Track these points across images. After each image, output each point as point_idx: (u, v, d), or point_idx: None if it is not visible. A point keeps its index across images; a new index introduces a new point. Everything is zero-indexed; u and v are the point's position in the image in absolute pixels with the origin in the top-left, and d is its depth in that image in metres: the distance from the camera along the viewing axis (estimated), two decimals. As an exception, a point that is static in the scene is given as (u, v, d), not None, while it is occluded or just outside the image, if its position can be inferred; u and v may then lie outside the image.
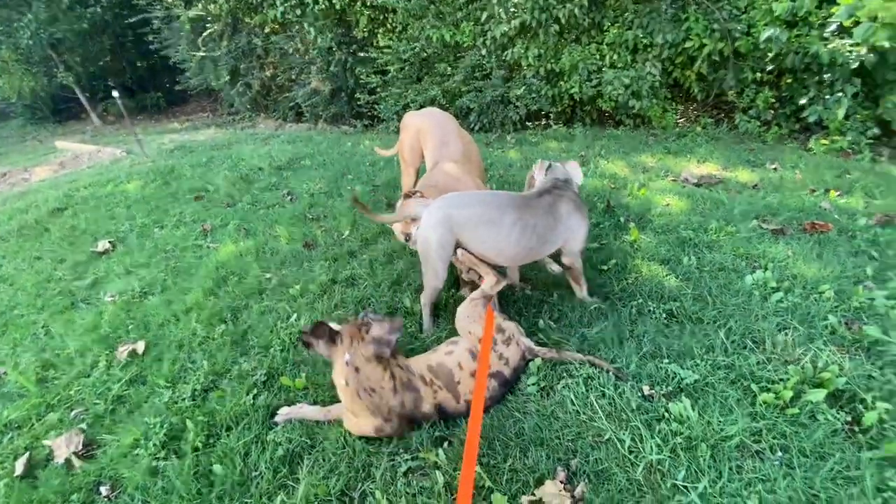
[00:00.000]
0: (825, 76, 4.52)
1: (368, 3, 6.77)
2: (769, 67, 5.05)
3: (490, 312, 1.79)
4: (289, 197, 3.96)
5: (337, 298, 2.40)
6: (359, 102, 7.44)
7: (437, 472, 1.41)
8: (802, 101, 4.74)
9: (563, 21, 5.60)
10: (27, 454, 1.72)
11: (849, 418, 1.46)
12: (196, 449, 1.63)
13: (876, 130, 4.37)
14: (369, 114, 7.58)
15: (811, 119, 4.55)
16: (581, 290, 2.12)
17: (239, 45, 8.25)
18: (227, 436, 1.66)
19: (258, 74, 8.55)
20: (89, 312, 2.60)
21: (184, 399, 1.86)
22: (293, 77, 8.16)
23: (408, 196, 2.15)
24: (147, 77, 11.39)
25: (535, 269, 2.40)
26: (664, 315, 1.94)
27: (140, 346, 2.23)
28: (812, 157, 4.30)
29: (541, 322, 1.98)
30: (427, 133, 2.79)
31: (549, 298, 2.14)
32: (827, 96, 4.52)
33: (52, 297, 2.84)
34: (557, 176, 2.08)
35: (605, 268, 2.32)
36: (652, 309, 1.98)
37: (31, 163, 6.87)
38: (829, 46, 4.15)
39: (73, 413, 1.91)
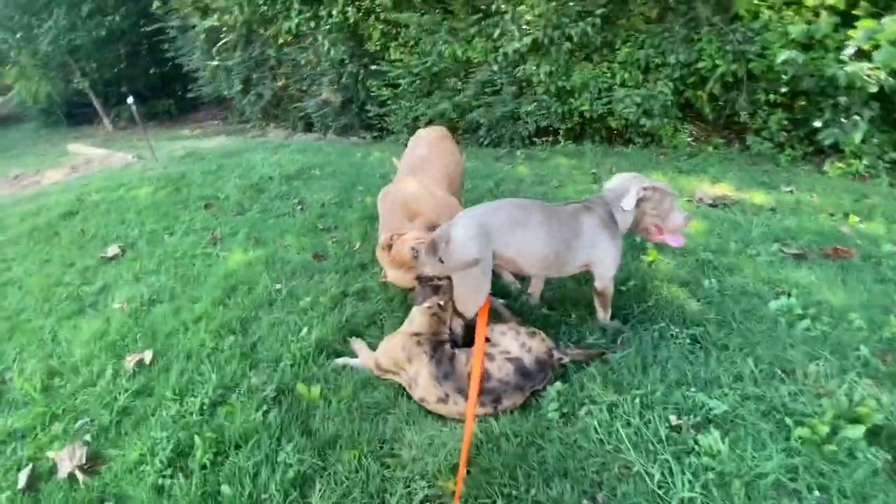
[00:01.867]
0: (841, 99, 4.50)
1: (382, 18, 6.85)
2: (783, 89, 5.05)
3: (487, 303, 1.88)
4: (299, 206, 3.94)
5: (348, 312, 2.35)
6: (369, 114, 7.49)
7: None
8: (817, 124, 4.72)
9: (575, 39, 5.64)
10: (30, 466, 1.67)
11: (889, 457, 1.39)
12: (204, 467, 1.57)
13: (894, 155, 4.34)
14: (379, 126, 7.63)
15: (827, 142, 4.53)
16: (605, 315, 2.06)
17: (252, 56, 8.35)
18: (236, 454, 1.60)
19: (270, 84, 8.64)
20: (97, 319, 2.57)
21: (191, 413, 1.80)
22: (304, 88, 8.24)
23: (388, 247, 2.09)
24: (159, 84, 11.52)
25: (551, 287, 2.35)
26: (688, 341, 1.88)
27: (147, 356, 2.18)
28: (828, 181, 4.27)
29: (561, 345, 1.92)
30: (409, 147, 2.81)
31: (568, 319, 2.09)
32: (843, 119, 4.50)
33: (60, 302, 2.81)
34: (602, 196, 2.02)
35: (623, 288, 2.27)
36: (675, 334, 1.92)
37: (43, 165, 6.92)
38: (848, 69, 4.14)
39: (77, 424, 1.85)
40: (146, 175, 5.07)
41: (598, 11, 5.46)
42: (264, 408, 1.78)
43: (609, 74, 5.82)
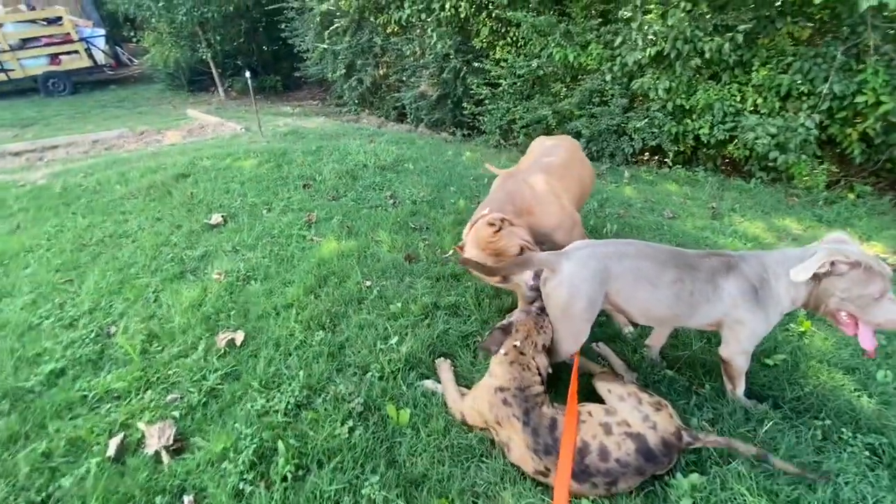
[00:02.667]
0: None
1: (493, 15, 6.66)
2: (966, 140, 4.21)
3: (577, 359, 1.70)
4: (391, 200, 3.87)
5: (440, 327, 2.19)
6: (463, 111, 7.36)
7: None
8: None
9: (707, 55, 5.08)
10: (121, 435, 1.68)
11: None
12: (284, 479, 1.47)
13: None
14: (471, 124, 7.49)
15: None
16: (736, 390, 1.72)
17: (360, 42, 8.53)
18: (319, 472, 1.49)
19: (372, 72, 8.79)
20: (196, 286, 2.62)
21: (276, 412, 1.73)
22: (403, 78, 8.27)
23: (495, 227, 1.83)
24: (270, 61, 12.22)
25: (675, 342, 2.03)
26: (865, 452, 1.50)
27: (239, 337, 2.17)
28: None
29: (694, 421, 1.62)
30: (535, 150, 2.55)
31: (701, 390, 1.77)
32: None
33: (166, 263, 2.93)
34: (761, 255, 1.64)
35: (770, 363, 1.89)
36: (846, 438, 1.54)
37: (165, 126, 7.54)
38: None
39: (168, 397, 1.86)
40: (251, 147, 5.29)
41: (741, 27, 4.86)
42: (350, 423, 1.66)
43: (738, 98, 5.21)
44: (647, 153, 5.91)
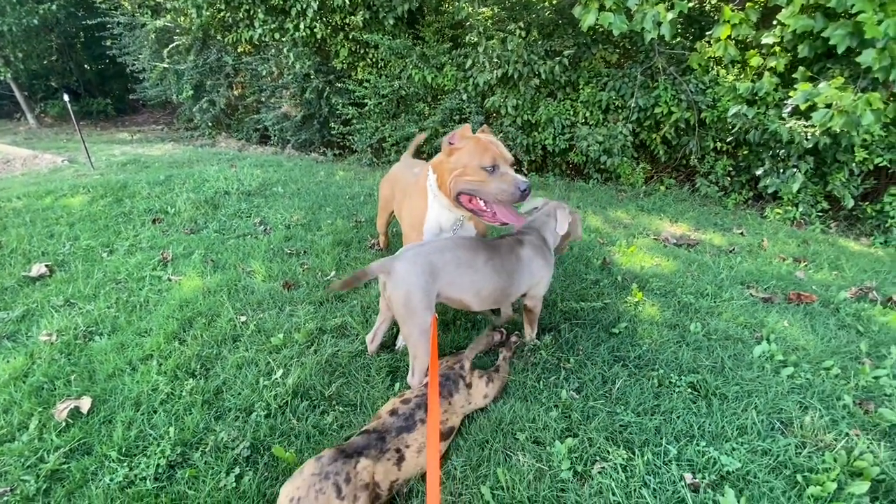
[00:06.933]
0: (780, 151, 4.96)
1: (351, 37, 6.75)
2: (729, 138, 5.50)
3: (434, 334, 1.76)
4: (262, 227, 3.65)
5: (328, 351, 2.14)
6: (332, 131, 7.28)
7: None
8: (758, 172, 5.16)
9: (543, 76, 5.84)
10: (-81, 558, 1.31)
11: (889, 513, 1.42)
12: (162, 551, 1.30)
13: (825, 204, 4.81)
14: (341, 143, 7.44)
15: (770, 190, 4.94)
16: (531, 333, 2.21)
17: (207, 61, 7.91)
18: (204, 533, 1.34)
19: (225, 93, 8.19)
20: (17, 354, 2.15)
21: (144, 479, 1.51)
22: (262, 99, 7.88)
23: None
24: (95, 82, 10.62)
25: (544, 327, 2.29)
26: (688, 390, 1.87)
27: (85, 404, 1.84)
28: (770, 225, 4.62)
29: (563, 393, 1.84)
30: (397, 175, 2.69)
31: (567, 365, 2.02)
32: (781, 170, 4.95)
33: (-33, 333, 2.35)
34: (530, 223, 2.14)
35: (616, 331, 2.25)
36: (674, 381, 1.91)
37: (-53, 163, 6.01)
38: (787, 126, 4.56)
39: (-11, 495, 1.50)
40: (80, 182, 4.52)
41: (566, 52, 5.70)
42: (236, 470, 1.53)
43: (572, 112, 6.08)
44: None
